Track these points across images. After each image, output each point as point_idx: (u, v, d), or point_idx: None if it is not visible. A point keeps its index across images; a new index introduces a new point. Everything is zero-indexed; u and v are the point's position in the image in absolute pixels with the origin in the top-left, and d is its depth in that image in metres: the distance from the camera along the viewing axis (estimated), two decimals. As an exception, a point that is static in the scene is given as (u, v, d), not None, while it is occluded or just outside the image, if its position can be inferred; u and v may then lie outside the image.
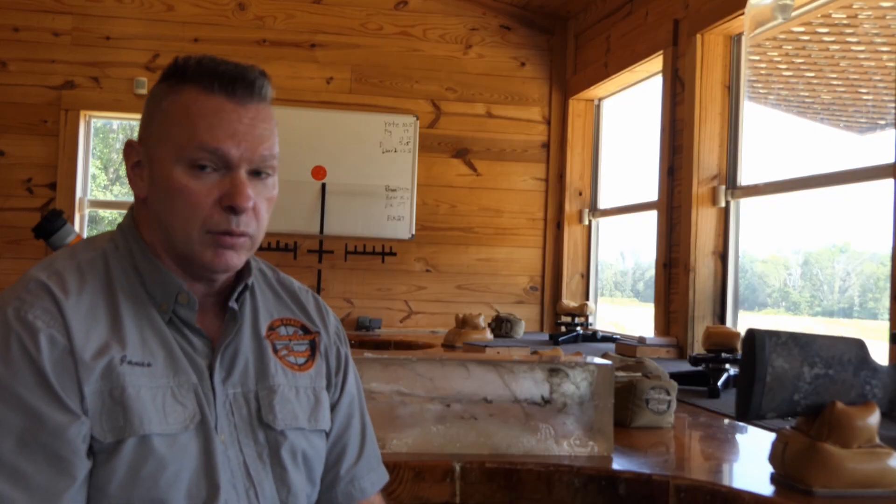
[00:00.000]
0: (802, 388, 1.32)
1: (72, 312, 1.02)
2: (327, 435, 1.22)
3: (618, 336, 3.90)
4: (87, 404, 1.00)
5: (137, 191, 1.12)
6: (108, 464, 1.00)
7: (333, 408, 1.23)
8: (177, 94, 1.09)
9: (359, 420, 1.27)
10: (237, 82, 1.09)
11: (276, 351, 1.18)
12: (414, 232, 4.53)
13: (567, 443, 1.63)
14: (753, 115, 3.42)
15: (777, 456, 1.40)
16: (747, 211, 3.39)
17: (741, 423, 1.98)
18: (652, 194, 3.79)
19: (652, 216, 3.80)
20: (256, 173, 1.10)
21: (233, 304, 1.14)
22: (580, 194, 4.76)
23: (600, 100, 4.75)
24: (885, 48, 3.01)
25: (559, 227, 4.77)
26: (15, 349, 0.99)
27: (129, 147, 1.14)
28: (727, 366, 2.48)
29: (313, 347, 1.22)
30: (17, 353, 0.99)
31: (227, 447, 1.08)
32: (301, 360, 1.20)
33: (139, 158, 1.12)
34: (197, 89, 1.08)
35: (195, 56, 1.11)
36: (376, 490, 1.27)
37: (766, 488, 1.38)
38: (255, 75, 1.10)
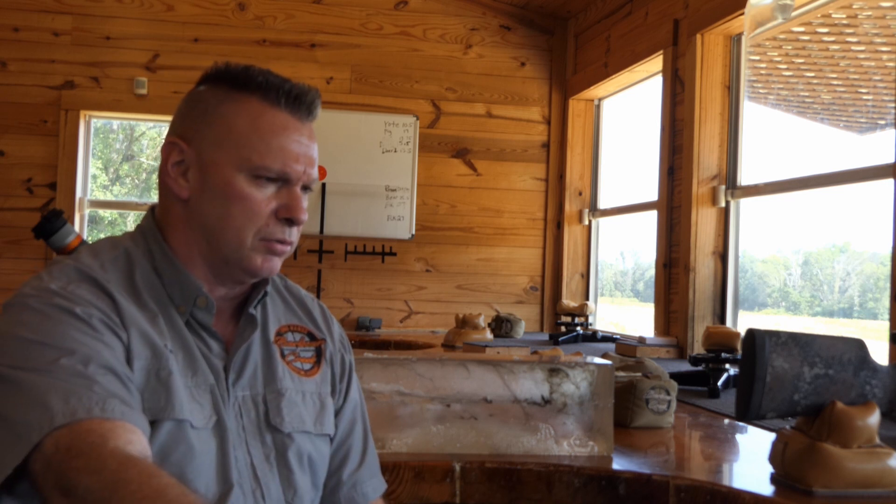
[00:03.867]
0: (802, 388, 1.32)
1: (117, 296, 1.04)
2: (331, 440, 1.23)
3: (618, 336, 3.90)
4: (135, 378, 1.00)
5: (178, 190, 1.12)
6: None
7: (337, 413, 1.24)
8: (238, 103, 1.11)
9: (361, 427, 1.28)
10: (301, 101, 1.13)
11: (283, 356, 1.19)
12: (414, 232, 4.53)
13: (567, 443, 1.63)
14: (753, 115, 3.43)
15: (777, 456, 1.40)
16: (747, 211, 3.39)
17: (741, 423, 1.98)
18: (652, 194, 3.80)
19: (652, 216, 3.80)
20: (303, 189, 1.15)
21: (253, 310, 1.16)
22: (580, 194, 4.76)
23: (600, 100, 4.75)
24: (885, 48, 3.01)
25: (559, 227, 4.77)
26: (73, 311, 0.98)
27: (173, 145, 1.13)
28: (727, 366, 2.48)
29: (319, 354, 1.24)
30: (76, 314, 0.98)
31: (235, 448, 1.09)
32: (307, 366, 1.21)
33: (182, 158, 1.12)
34: (261, 101, 1.11)
35: (253, 66, 1.13)
36: (378, 495, 1.28)
37: (766, 488, 1.38)
38: (316, 95, 1.14)
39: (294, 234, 1.15)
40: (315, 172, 1.15)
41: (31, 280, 1.05)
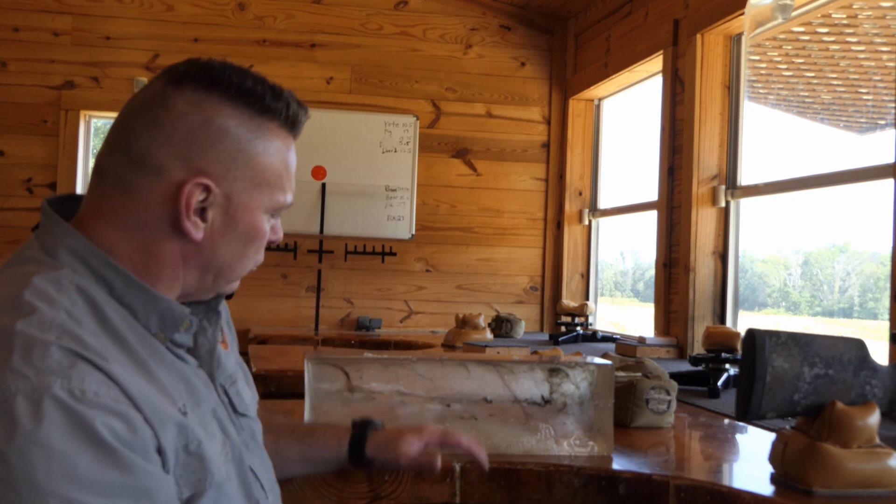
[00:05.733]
0: (802, 388, 1.32)
1: (121, 377, 0.85)
2: None
3: (618, 336, 3.90)
4: (168, 466, 0.88)
5: (194, 233, 0.97)
6: None
7: None
8: (270, 139, 1.01)
9: None
10: (304, 125, 1.07)
11: None
12: (414, 232, 4.53)
13: (567, 443, 1.63)
14: (753, 115, 3.43)
15: (777, 456, 1.40)
16: (747, 211, 3.39)
17: (741, 423, 1.98)
18: (652, 194, 3.80)
19: (652, 216, 3.80)
20: None
21: (221, 310, 1.10)
22: (580, 194, 4.76)
23: (600, 100, 4.75)
24: (885, 48, 3.01)
25: (559, 227, 4.78)
26: (99, 435, 0.80)
27: (200, 187, 0.97)
28: (727, 366, 2.48)
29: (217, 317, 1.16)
30: (103, 440, 0.80)
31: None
32: (220, 337, 1.10)
33: (206, 197, 0.97)
34: (286, 133, 1.04)
35: (271, 84, 1.02)
36: None
37: (766, 488, 1.38)
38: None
39: None
40: None
41: (6, 374, 0.80)
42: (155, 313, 0.96)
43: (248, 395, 1.12)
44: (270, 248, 1.14)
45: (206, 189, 0.97)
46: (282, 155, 1.03)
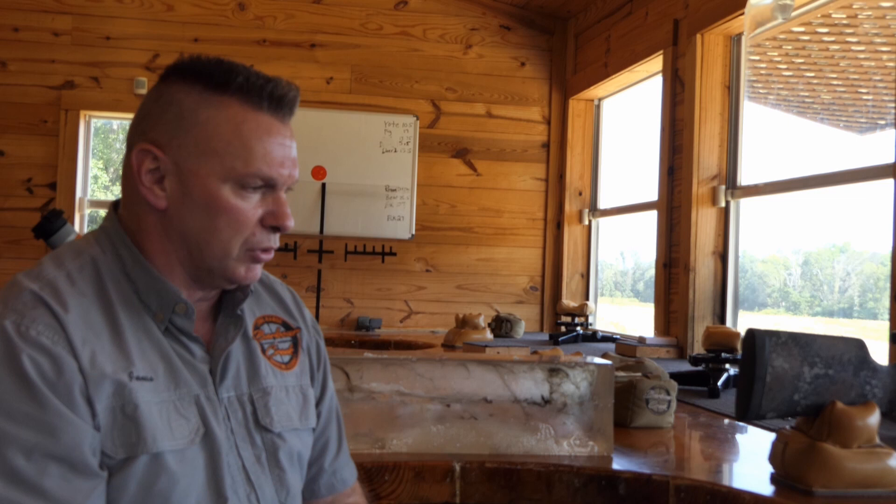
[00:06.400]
0: (802, 388, 1.32)
1: (73, 327, 0.96)
2: (313, 431, 1.22)
3: (618, 336, 3.90)
4: (98, 420, 0.95)
5: (154, 200, 1.04)
6: (119, 479, 0.97)
7: (318, 403, 1.23)
8: (218, 108, 1.04)
9: (336, 414, 1.27)
10: (283, 101, 1.07)
11: (263, 351, 1.16)
12: (414, 232, 4.53)
13: (567, 443, 1.63)
14: (753, 115, 3.43)
15: (777, 456, 1.40)
16: (747, 211, 3.39)
17: (741, 423, 1.98)
18: (652, 194, 3.80)
19: (652, 216, 3.80)
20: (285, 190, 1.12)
21: (241, 311, 1.13)
22: (580, 194, 4.76)
23: (600, 100, 4.75)
24: (885, 48, 3.01)
25: (559, 227, 4.77)
26: (21, 367, 0.92)
27: (145, 153, 1.04)
28: (727, 366, 2.48)
29: (296, 344, 1.21)
30: (25, 372, 0.92)
31: (227, 454, 1.06)
32: (286, 359, 1.18)
33: (157, 166, 1.04)
34: (242, 104, 1.05)
35: (229, 62, 1.06)
36: (355, 479, 1.29)
37: (766, 488, 1.38)
38: (296, 94, 1.09)
39: (278, 240, 1.12)
40: (297, 173, 1.11)
41: None
42: (153, 292, 1.05)
43: (282, 415, 1.13)
44: (282, 247, 1.12)
45: (155, 157, 1.04)
46: (234, 123, 1.04)
